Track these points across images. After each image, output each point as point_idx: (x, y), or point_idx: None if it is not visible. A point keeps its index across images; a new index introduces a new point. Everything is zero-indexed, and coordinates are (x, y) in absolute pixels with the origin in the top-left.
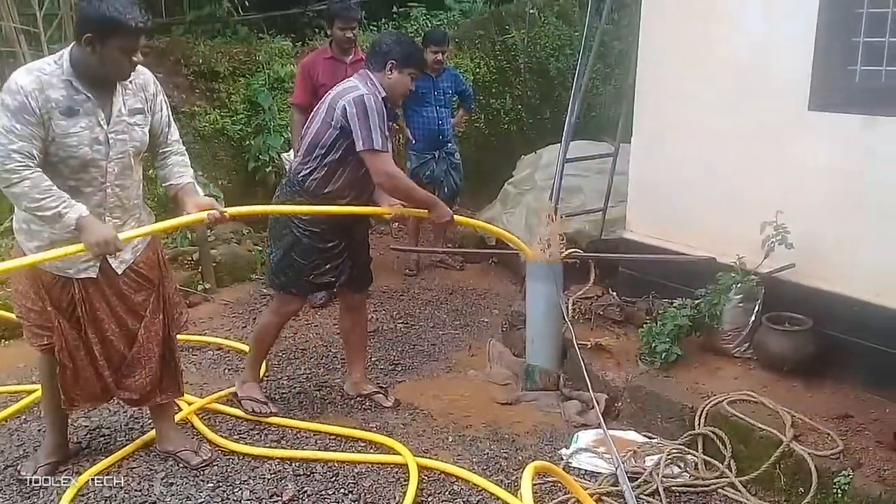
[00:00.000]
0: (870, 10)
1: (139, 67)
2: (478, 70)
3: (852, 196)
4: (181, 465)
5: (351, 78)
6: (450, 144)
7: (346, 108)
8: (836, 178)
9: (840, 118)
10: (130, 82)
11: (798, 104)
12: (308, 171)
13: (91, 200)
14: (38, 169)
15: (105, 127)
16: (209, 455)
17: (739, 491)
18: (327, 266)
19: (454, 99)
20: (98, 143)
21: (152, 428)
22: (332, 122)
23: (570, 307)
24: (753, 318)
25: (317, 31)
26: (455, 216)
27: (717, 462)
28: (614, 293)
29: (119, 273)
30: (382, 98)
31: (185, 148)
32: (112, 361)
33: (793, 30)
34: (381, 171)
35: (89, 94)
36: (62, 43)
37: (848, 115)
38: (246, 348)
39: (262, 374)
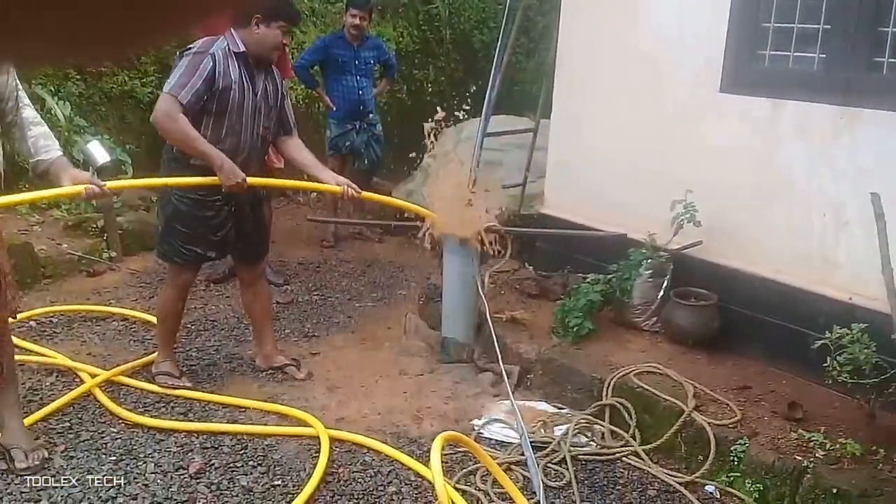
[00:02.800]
0: None
1: None
2: (401, 40)
3: (757, 176)
4: (80, 439)
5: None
6: (371, 115)
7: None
8: (744, 158)
9: (749, 101)
10: None
11: (710, 86)
12: None
13: None
14: None
15: None
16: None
17: (643, 459)
18: (210, 236)
19: (377, 69)
20: None
21: (52, 400)
22: None
23: (486, 281)
24: (662, 293)
25: None
26: (250, 179)
27: (622, 431)
28: (531, 268)
29: None
30: (239, 53)
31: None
32: None
33: (707, 13)
34: (159, 109)
35: None
36: None
37: (757, 98)
38: (152, 319)
39: None
